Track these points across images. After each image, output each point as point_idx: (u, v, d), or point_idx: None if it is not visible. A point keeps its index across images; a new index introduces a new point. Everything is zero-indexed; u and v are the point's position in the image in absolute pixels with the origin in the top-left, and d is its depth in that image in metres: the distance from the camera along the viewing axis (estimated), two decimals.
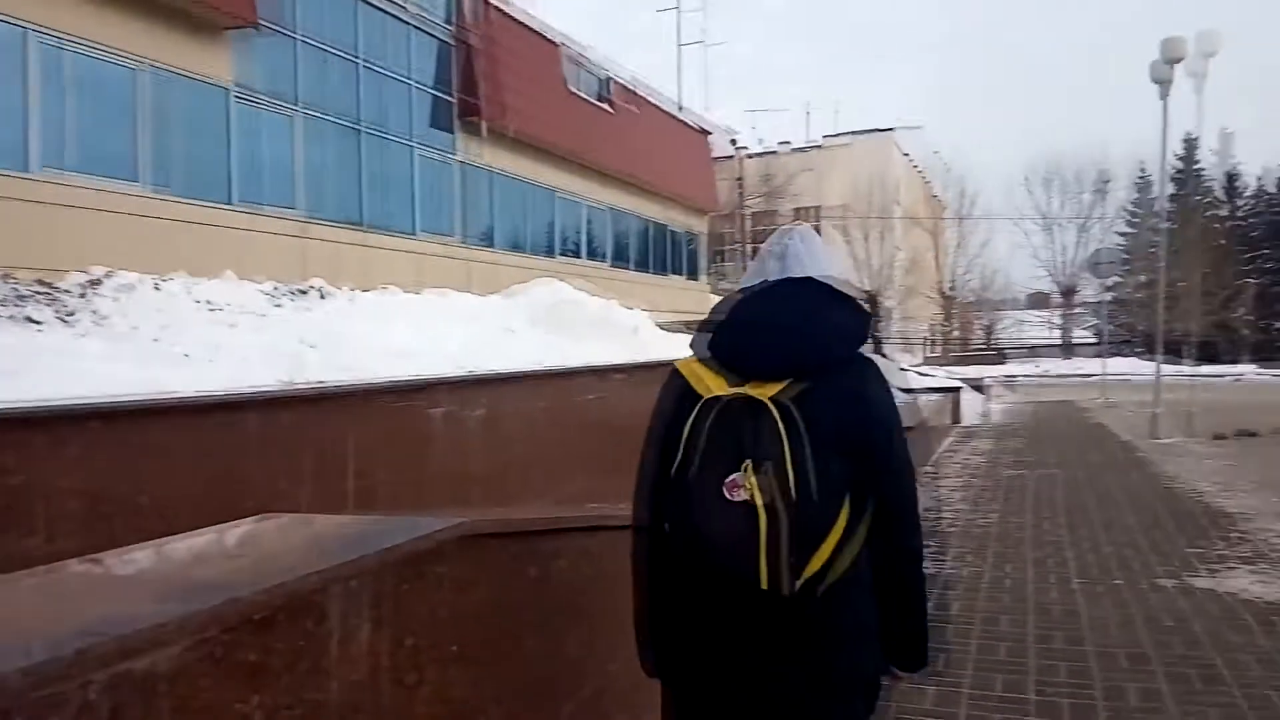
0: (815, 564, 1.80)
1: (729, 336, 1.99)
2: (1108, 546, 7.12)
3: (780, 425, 1.79)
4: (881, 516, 1.92)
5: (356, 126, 13.15)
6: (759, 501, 1.76)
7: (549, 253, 18.42)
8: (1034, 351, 52.13)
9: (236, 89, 11.30)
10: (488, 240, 16.41)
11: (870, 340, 2.03)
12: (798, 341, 1.90)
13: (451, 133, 15.35)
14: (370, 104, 13.43)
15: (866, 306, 2.04)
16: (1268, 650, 4.62)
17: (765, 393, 1.83)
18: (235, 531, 2.10)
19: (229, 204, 10.97)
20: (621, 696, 2.92)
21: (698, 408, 1.88)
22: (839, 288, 2.03)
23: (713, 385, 1.91)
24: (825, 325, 1.94)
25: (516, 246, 17.35)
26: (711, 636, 1.92)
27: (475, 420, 6.49)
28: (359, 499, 5.11)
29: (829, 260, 2.13)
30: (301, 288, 7.28)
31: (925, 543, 2.05)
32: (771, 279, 2.06)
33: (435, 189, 15.05)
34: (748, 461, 1.78)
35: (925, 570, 2.04)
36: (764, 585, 1.77)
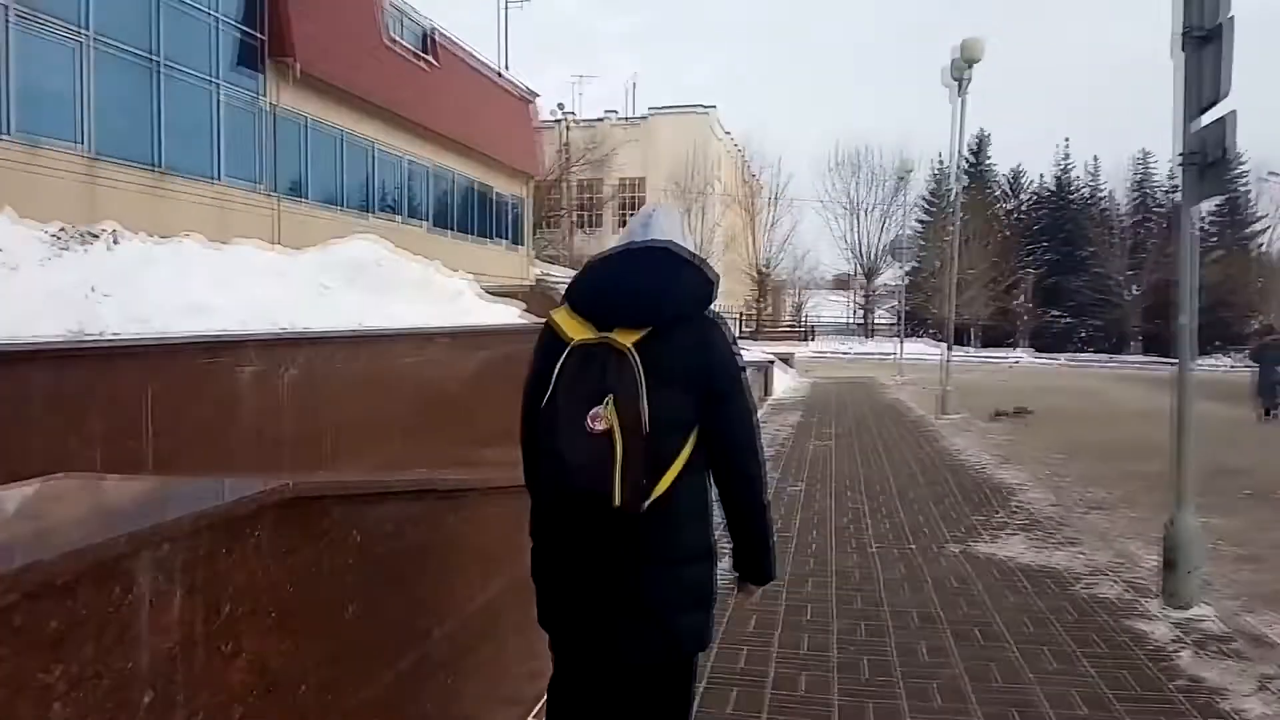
0: (662, 487, 2.11)
1: (593, 292, 2.27)
2: (902, 514, 7.64)
3: (638, 368, 2.08)
4: (725, 448, 2.24)
5: (153, 59, 12.10)
6: (616, 432, 2.03)
7: (366, 209, 17.68)
8: (839, 330, 54.95)
9: (17, 6, 10.14)
10: (299, 192, 15.55)
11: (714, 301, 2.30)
12: (656, 298, 2.19)
13: (260, 74, 14.39)
14: (170, 37, 12.37)
15: (712, 275, 2.31)
16: (1039, 610, 5.10)
17: (627, 340, 2.12)
18: (20, 493, 1.90)
19: (5, 135, 9.87)
20: (444, 664, 2.87)
21: (565, 352, 2.15)
22: (690, 257, 2.31)
23: (576, 333, 2.19)
24: (679, 285, 2.24)
25: (331, 201, 16.53)
26: (572, 550, 2.23)
27: (288, 381, 6.17)
28: (159, 461, 4.76)
29: (684, 235, 2.41)
30: (92, 231, 6.64)
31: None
32: (636, 243, 2.34)
33: (241, 133, 14.07)
34: (610, 397, 2.05)
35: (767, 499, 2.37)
36: (617, 503, 2.04)
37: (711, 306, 2.29)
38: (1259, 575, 6.57)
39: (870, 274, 56.22)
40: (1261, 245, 51.52)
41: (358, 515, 2.38)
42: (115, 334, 5.01)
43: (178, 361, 5.14)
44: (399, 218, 18.91)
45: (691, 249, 2.36)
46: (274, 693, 1.95)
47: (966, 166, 53.48)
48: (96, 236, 6.61)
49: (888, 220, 53.90)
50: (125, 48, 11.66)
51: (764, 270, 55.63)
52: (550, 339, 2.25)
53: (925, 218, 54.84)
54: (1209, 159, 4.90)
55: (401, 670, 2.56)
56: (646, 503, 2.09)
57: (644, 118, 50.92)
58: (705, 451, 2.23)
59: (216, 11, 13.39)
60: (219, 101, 13.48)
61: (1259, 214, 52.42)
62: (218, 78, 13.45)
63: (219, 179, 13.39)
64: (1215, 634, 4.68)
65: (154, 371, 4.94)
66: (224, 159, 13.57)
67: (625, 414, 2.05)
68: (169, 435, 4.95)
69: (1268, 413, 17.71)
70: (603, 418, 2.05)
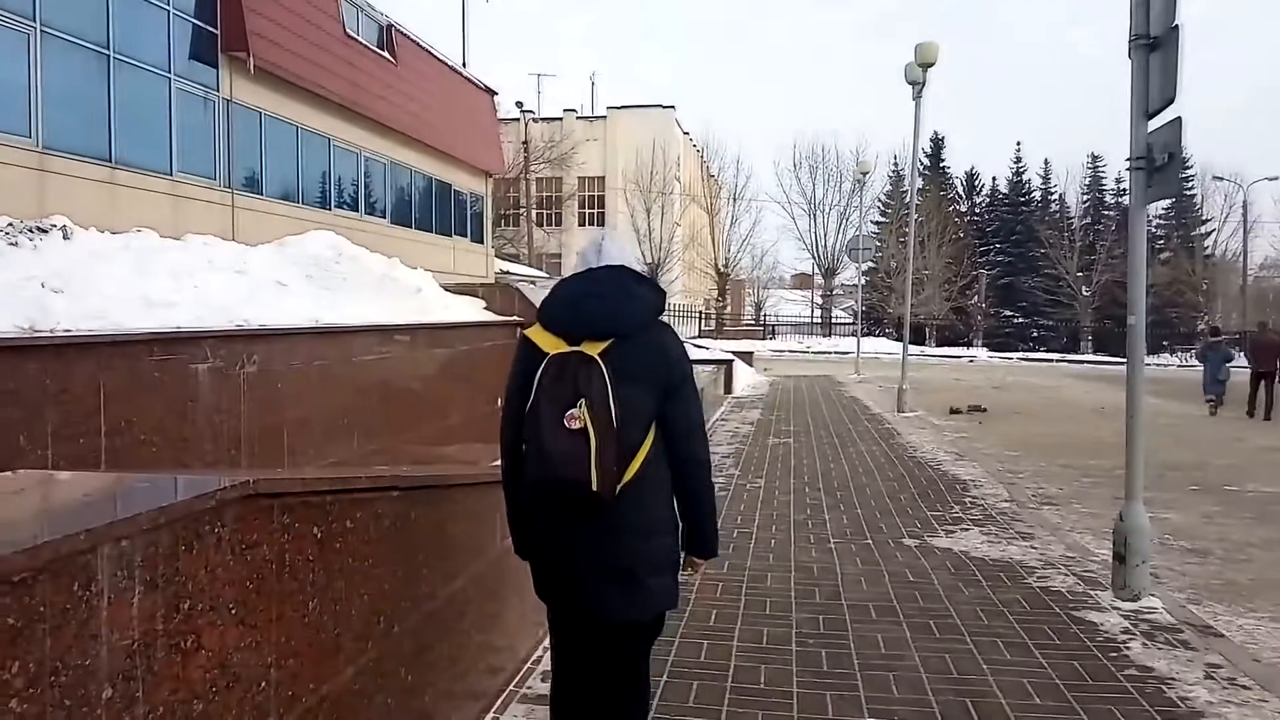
0: (629, 474, 2.52)
1: (560, 311, 2.68)
2: (860, 509, 7.73)
3: (606, 374, 2.48)
4: (679, 433, 2.64)
5: (106, 51, 11.86)
6: (590, 429, 2.43)
7: (324, 205, 17.47)
8: (798, 329, 55.33)
9: None
10: (255, 187, 15.31)
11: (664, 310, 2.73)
12: (615, 312, 2.60)
13: (215, 67, 14.14)
14: (123, 29, 12.12)
15: (661, 288, 2.78)
16: (993, 601, 5.19)
17: (594, 350, 2.53)
18: None
19: None
20: (405, 659, 2.86)
21: (544, 363, 2.55)
22: (642, 274, 2.75)
23: (551, 346, 2.59)
24: (635, 300, 2.65)
25: (288, 196, 16.30)
26: (556, 527, 2.62)
27: (246, 377, 6.09)
28: (113, 459, 4.67)
29: (631, 253, 2.85)
30: (42, 225, 6.49)
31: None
32: (592, 266, 2.73)
33: (196, 127, 13.81)
34: (582, 400, 2.45)
35: (715, 480, 2.78)
36: (594, 489, 2.44)
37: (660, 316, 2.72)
38: (1206, 568, 6.75)
39: (829, 273, 56.66)
40: (1208, 247, 52.70)
41: (319, 511, 2.37)
42: (67, 330, 4.91)
43: (132, 357, 5.05)
44: (358, 213, 18.71)
45: (639, 268, 2.79)
46: (234, 688, 1.94)
47: (923, 168, 54.23)
48: (46, 231, 6.47)
49: (846, 220, 54.36)
50: (77, 39, 11.41)
51: (724, 269, 55.83)
52: (528, 352, 2.65)
53: (882, 218, 55.38)
54: (1157, 162, 5.02)
55: (362, 666, 2.56)
56: (619, 486, 2.50)
57: (604, 116, 50.89)
58: (662, 439, 2.63)
59: (169, 5, 13.15)
60: (173, 94, 13.24)
61: (1206, 216, 53.63)
62: (172, 71, 13.21)
63: (174, 173, 13.16)
64: (1164, 624, 4.80)
65: (108, 367, 4.85)
66: (178, 153, 13.32)
67: (597, 413, 2.45)
68: (124, 432, 4.86)
69: (1214, 408, 18.20)
70: (578, 418, 2.44)
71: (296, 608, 2.25)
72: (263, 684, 2.06)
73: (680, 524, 2.70)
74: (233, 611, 1.95)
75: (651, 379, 2.57)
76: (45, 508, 1.85)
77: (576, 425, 2.44)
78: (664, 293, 2.79)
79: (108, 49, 11.91)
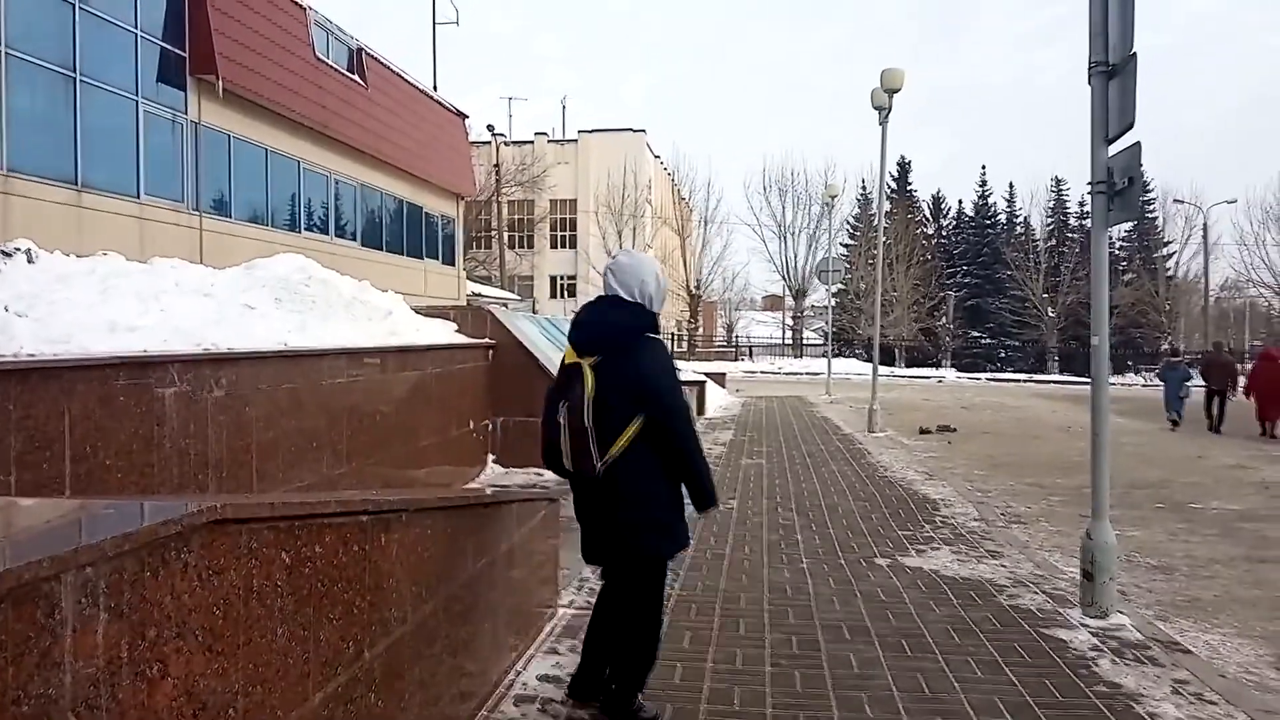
0: (612, 454, 3.39)
1: (571, 332, 3.62)
2: (832, 529, 7.76)
3: (589, 381, 3.40)
4: (658, 419, 3.42)
5: (72, 75, 11.75)
6: (565, 424, 3.44)
7: (293, 228, 17.37)
8: (770, 350, 55.56)
9: None
10: (224, 210, 15.19)
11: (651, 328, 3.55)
12: (598, 336, 3.52)
13: (183, 90, 14.05)
14: (90, 51, 12.03)
15: (649, 307, 3.59)
16: (964, 620, 5.22)
17: (587, 362, 3.44)
18: None
19: None
20: (375, 685, 2.83)
21: (559, 370, 3.59)
22: (627, 298, 3.57)
23: (570, 358, 3.54)
24: (615, 323, 3.53)
25: (257, 219, 16.17)
26: (575, 493, 3.68)
27: (213, 402, 6.02)
28: (78, 485, 4.59)
29: (635, 277, 3.59)
30: (5, 249, 6.40)
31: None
32: (604, 295, 3.65)
33: (164, 150, 13.70)
34: (564, 402, 3.45)
35: (705, 463, 3.61)
36: (569, 469, 3.51)
37: (649, 333, 3.52)
38: (1172, 584, 6.84)
39: (799, 294, 57.04)
40: (1170, 269, 53.63)
41: (286, 537, 2.35)
42: (31, 354, 4.84)
43: (97, 382, 4.97)
44: (328, 236, 18.61)
45: (647, 286, 3.57)
46: (201, 716, 1.91)
47: (890, 191, 54.84)
48: (10, 255, 6.38)
49: (815, 242, 54.80)
50: (42, 61, 11.31)
51: (696, 290, 56.05)
52: (561, 362, 3.62)
53: (851, 241, 55.90)
54: (1118, 186, 5.12)
55: (331, 692, 2.53)
56: (599, 466, 3.40)
57: (575, 139, 51.10)
58: (646, 431, 3.41)
59: (137, 27, 13.07)
60: (141, 117, 13.14)
61: (1167, 239, 54.61)
62: (139, 93, 13.11)
63: (141, 196, 13.03)
64: (1132, 641, 4.85)
65: (72, 392, 4.78)
66: (146, 176, 13.20)
67: (573, 413, 3.41)
68: (88, 458, 4.78)
69: (1174, 424, 18.67)
70: (564, 415, 3.44)
71: (264, 634, 2.22)
72: (230, 711, 2.03)
73: (670, 500, 3.51)
74: (199, 638, 1.92)
75: (626, 385, 3.38)
76: (7, 534, 1.82)
77: (562, 420, 3.43)
78: (648, 314, 3.57)
79: (74, 72, 11.81)
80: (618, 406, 3.36)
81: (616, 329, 3.49)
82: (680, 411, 3.47)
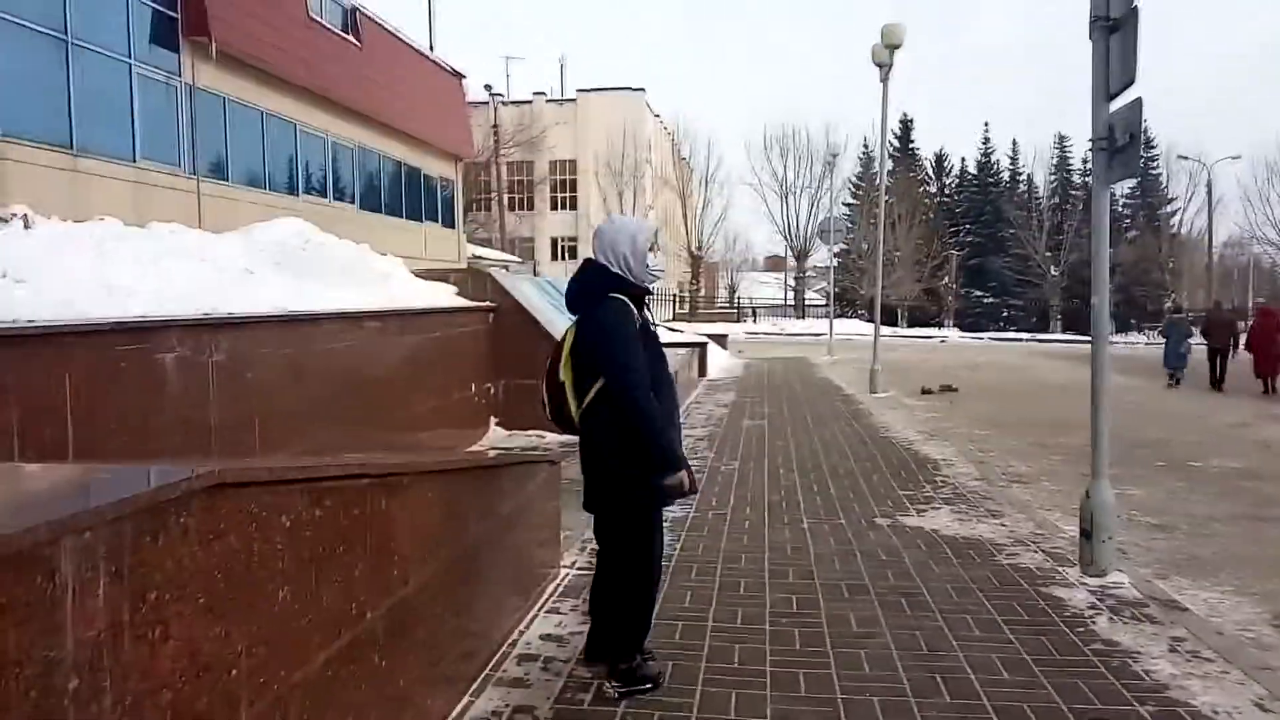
0: (583, 408, 3.63)
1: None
2: (833, 489, 7.79)
3: (568, 337, 3.73)
4: (603, 376, 3.56)
5: (63, 36, 11.62)
6: (544, 379, 3.81)
7: (291, 190, 17.27)
8: (772, 311, 55.48)
9: None
10: (221, 173, 15.10)
11: (619, 288, 3.65)
12: (572, 292, 3.78)
13: (177, 53, 13.90)
14: (81, 13, 11.89)
15: (614, 269, 3.67)
16: (963, 579, 5.26)
17: (573, 320, 3.76)
18: None
19: None
20: (378, 646, 2.86)
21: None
22: (598, 260, 3.71)
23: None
24: (583, 283, 3.75)
25: (254, 182, 16.08)
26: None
27: (213, 366, 6.03)
28: (81, 450, 4.61)
29: (608, 241, 3.70)
30: (2, 215, 6.37)
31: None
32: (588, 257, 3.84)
33: (159, 113, 13.58)
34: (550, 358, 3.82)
35: (652, 422, 3.50)
36: (548, 416, 3.82)
37: (614, 293, 3.62)
38: (1171, 543, 6.88)
39: (801, 255, 56.81)
40: (1174, 226, 53.35)
41: (287, 500, 2.36)
42: (30, 321, 4.83)
43: (97, 347, 4.97)
44: (326, 199, 18.51)
45: (619, 249, 3.66)
46: (204, 677, 1.93)
47: (892, 150, 54.43)
48: (7, 221, 6.35)
49: (817, 202, 54.49)
50: (32, 24, 11.18)
51: (697, 252, 55.84)
52: None
53: (853, 200, 55.56)
54: (1118, 143, 5.06)
55: (335, 653, 2.55)
56: (576, 415, 3.67)
57: (574, 99, 50.60)
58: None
59: None
60: (134, 80, 13.01)
61: (1171, 196, 54.28)
62: (132, 56, 12.98)
63: (137, 160, 12.95)
64: (1130, 600, 4.88)
65: (73, 357, 4.78)
66: (141, 139, 13.11)
67: (550, 368, 3.77)
68: (90, 423, 4.80)
69: (1174, 381, 18.75)
70: (547, 368, 3.80)
71: (266, 597, 2.24)
72: (233, 672, 2.05)
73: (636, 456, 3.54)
74: (201, 601, 1.94)
75: (585, 343, 3.63)
76: (7, 499, 1.83)
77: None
78: (610, 276, 3.66)
79: (65, 35, 11.68)
80: (587, 363, 3.60)
81: (583, 289, 3.71)
82: (617, 369, 3.49)
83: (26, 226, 6.61)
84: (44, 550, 1.47)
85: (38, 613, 1.44)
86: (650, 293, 3.81)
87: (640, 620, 3.77)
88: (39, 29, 11.28)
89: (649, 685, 3.70)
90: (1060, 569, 5.42)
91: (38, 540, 1.45)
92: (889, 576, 5.30)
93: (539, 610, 4.69)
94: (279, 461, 3.19)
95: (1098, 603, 4.81)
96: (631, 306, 3.63)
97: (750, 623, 4.51)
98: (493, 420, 12.51)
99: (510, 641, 4.22)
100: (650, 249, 3.70)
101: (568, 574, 5.32)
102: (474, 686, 3.76)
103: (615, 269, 3.65)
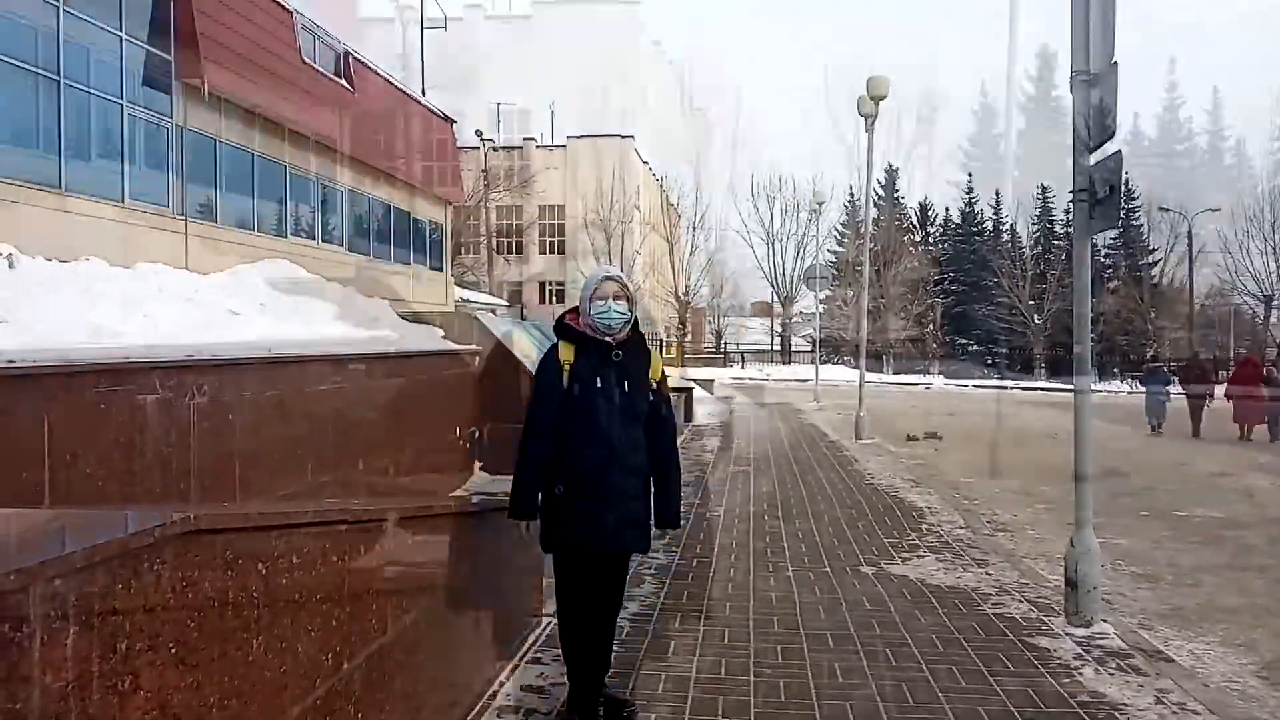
0: None
1: None
2: (818, 537, 7.75)
3: None
4: None
5: (55, 78, 11.67)
6: None
7: (280, 232, 17.27)
8: (758, 356, 55.57)
9: None
10: (210, 214, 15.09)
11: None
12: None
13: (169, 94, 13.97)
14: (74, 55, 11.95)
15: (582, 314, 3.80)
16: (949, 629, 5.22)
17: None
18: None
19: None
20: (355, 697, 2.81)
21: None
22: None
23: None
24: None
25: (243, 224, 16.06)
26: None
27: (195, 408, 5.99)
28: (58, 494, 4.55)
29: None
30: None
31: None
32: None
33: (149, 154, 13.60)
34: None
35: (519, 465, 3.76)
36: None
37: (563, 338, 3.78)
38: (1156, 592, 6.86)
39: (787, 301, 57.07)
40: (1155, 277, 53.89)
41: (262, 547, 2.33)
42: (11, 361, 4.80)
43: (78, 389, 4.93)
44: (315, 241, 18.52)
45: (581, 294, 3.86)
46: None
47: (877, 198, 55.00)
48: None
49: (803, 249, 54.84)
50: (24, 64, 11.23)
51: (684, 296, 56.01)
52: None
53: (838, 247, 56.00)
54: (1099, 195, 5.14)
55: (310, 705, 2.50)
56: None
57: (563, 145, 51.09)
58: None
59: (122, 31, 13.00)
60: (125, 121, 13.06)
61: (1152, 247, 54.89)
62: (124, 97, 13.04)
63: (125, 200, 12.95)
64: (1115, 650, 4.85)
65: (53, 398, 4.74)
66: (130, 179, 13.12)
67: None
68: (69, 466, 4.74)
69: (1154, 429, 18.96)
70: None
71: (240, 646, 2.20)
72: None
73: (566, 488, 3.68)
74: (173, 650, 1.90)
75: None
76: None
77: None
78: (561, 321, 3.86)
79: (58, 75, 11.73)
80: None
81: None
82: (527, 409, 3.75)
83: (11, 266, 6.59)
84: (11, 598, 1.44)
85: (2, 661, 1.41)
86: (606, 337, 3.76)
87: (571, 669, 3.77)
88: (32, 69, 11.33)
89: None
90: (1046, 619, 5.39)
91: (5, 588, 1.42)
92: (874, 626, 5.25)
93: (520, 660, 4.62)
94: (256, 506, 3.16)
95: (1084, 653, 4.78)
96: (561, 351, 3.75)
97: (734, 673, 4.45)
98: (477, 465, 12.44)
99: (490, 693, 4.15)
100: (598, 295, 3.74)
101: (550, 623, 5.25)
102: None
103: (582, 314, 3.80)
